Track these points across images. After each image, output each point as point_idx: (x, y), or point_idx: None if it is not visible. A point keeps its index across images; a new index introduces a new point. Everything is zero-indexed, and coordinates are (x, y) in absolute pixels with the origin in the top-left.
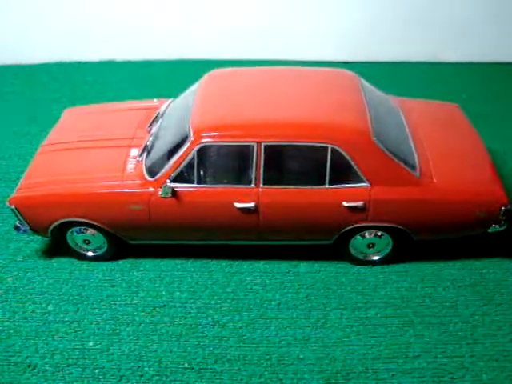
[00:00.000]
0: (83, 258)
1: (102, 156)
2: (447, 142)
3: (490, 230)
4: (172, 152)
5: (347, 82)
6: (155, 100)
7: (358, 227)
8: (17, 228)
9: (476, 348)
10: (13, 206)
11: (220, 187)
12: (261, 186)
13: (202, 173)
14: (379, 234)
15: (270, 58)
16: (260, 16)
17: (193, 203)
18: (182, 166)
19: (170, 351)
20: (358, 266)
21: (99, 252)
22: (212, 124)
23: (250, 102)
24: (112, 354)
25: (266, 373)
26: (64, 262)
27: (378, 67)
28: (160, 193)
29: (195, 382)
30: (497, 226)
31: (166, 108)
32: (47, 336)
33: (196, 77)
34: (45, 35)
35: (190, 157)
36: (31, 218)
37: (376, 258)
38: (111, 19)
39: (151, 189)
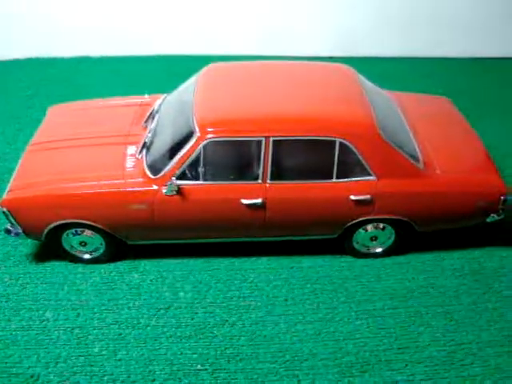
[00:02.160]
0: (78, 260)
1: (98, 154)
2: (443, 134)
3: (488, 220)
4: (175, 148)
5: (346, 75)
6: (146, 96)
7: (363, 220)
8: (8, 231)
9: (482, 335)
10: (4, 209)
11: (226, 183)
12: (268, 181)
13: (207, 169)
14: (381, 226)
15: (259, 54)
16: (252, 11)
17: (198, 200)
18: (187, 162)
19: (181, 353)
20: (361, 259)
21: (96, 254)
22: (218, 119)
23: (253, 97)
24: (120, 360)
25: (281, 370)
26: (57, 265)
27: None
28: (165, 190)
29: (210, 383)
30: (495, 215)
31: (162, 103)
32: (48, 344)
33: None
34: (16, 31)
35: (195, 153)
36: (25, 221)
37: (379, 250)
38: (85, 14)
39: (155, 187)
